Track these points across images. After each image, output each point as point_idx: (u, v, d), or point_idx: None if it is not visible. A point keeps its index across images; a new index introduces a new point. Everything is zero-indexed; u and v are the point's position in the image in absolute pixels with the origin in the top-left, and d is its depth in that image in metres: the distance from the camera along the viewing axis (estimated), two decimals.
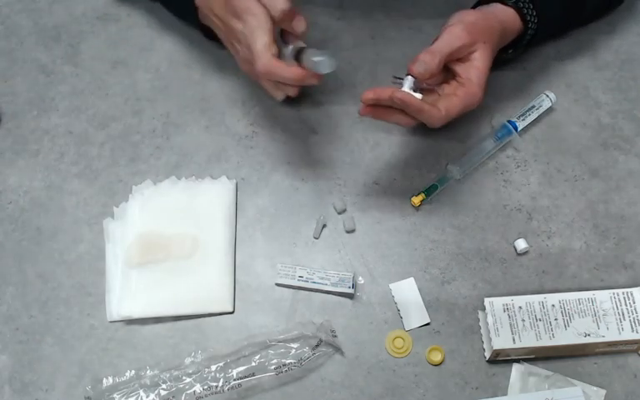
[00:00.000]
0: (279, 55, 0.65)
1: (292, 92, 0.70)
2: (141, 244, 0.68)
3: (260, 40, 0.63)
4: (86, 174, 0.74)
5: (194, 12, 0.74)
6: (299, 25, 0.66)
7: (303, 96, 0.77)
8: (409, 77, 0.66)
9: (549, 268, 0.68)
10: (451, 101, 0.67)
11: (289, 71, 0.64)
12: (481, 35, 0.68)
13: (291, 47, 0.66)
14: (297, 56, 0.65)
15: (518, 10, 0.72)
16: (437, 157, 0.74)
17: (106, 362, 0.64)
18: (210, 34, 0.76)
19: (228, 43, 0.71)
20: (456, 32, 0.67)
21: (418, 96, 0.65)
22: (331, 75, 0.78)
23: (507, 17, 0.72)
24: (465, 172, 0.72)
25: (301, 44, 0.66)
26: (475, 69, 0.68)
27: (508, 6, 0.72)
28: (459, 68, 0.69)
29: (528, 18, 0.72)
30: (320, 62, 0.61)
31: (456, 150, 0.74)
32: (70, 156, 0.75)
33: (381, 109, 0.65)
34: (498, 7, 0.72)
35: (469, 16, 0.70)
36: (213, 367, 0.62)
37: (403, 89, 0.65)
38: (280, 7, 0.63)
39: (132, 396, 0.61)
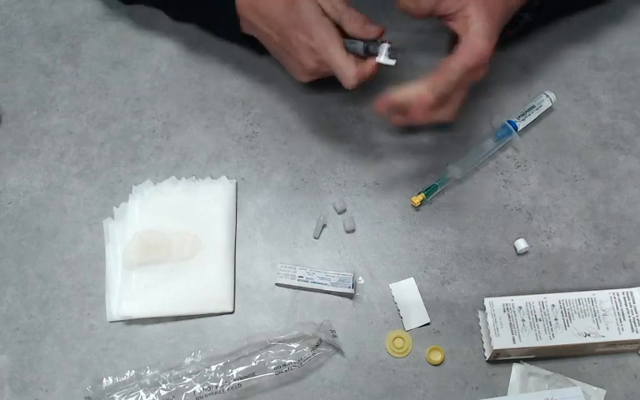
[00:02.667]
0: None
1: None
2: (141, 244, 0.68)
3: (338, 55, 0.64)
4: (86, 174, 0.74)
5: (236, 23, 0.72)
6: (371, 31, 0.65)
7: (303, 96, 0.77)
8: (385, 44, 0.64)
9: (549, 268, 0.68)
10: (448, 65, 0.62)
11: (370, 70, 0.65)
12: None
13: (360, 43, 0.66)
14: (367, 49, 0.66)
15: None
16: (437, 157, 0.74)
17: (106, 362, 0.64)
18: (254, 44, 0.75)
19: (283, 54, 0.70)
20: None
21: (392, 62, 0.64)
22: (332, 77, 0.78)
23: None
24: (465, 173, 0.72)
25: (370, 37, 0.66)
26: (474, 20, 0.63)
27: None
28: (455, 25, 0.64)
29: None
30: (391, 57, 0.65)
31: (456, 150, 0.74)
32: (70, 156, 0.75)
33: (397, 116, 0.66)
34: None
35: None
36: (213, 367, 0.62)
37: (379, 60, 0.65)
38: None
39: (132, 396, 0.61)
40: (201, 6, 0.75)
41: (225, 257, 0.68)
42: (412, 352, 0.64)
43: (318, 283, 0.66)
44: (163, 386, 0.62)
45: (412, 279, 0.67)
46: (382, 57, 0.65)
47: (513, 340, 0.62)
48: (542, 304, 0.63)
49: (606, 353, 0.63)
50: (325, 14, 0.65)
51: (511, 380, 0.62)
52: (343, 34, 0.66)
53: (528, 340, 0.62)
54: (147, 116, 0.77)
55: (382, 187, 0.72)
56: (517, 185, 0.72)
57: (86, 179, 0.73)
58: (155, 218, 0.70)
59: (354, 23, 0.65)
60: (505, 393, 0.62)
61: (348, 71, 0.64)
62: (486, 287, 0.67)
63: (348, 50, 0.65)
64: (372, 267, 0.68)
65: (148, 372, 0.63)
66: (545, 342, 0.61)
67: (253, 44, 0.75)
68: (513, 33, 0.75)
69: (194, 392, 0.61)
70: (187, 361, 0.63)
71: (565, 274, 0.67)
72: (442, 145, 0.74)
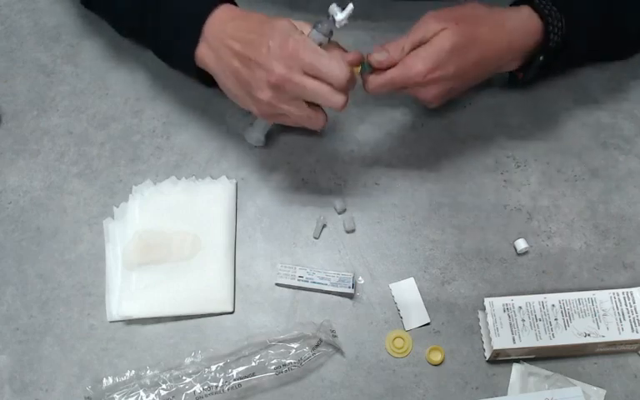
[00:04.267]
0: None
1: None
2: (141, 244, 0.68)
3: (320, 50, 0.60)
4: (86, 174, 0.74)
5: (193, 50, 0.66)
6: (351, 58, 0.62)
7: None
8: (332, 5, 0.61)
9: (549, 268, 0.68)
10: (385, 72, 0.63)
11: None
12: (452, 16, 0.63)
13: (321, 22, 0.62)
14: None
15: (533, 6, 0.66)
16: (437, 157, 0.74)
17: (106, 362, 0.64)
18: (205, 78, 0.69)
19: (243, 75, 0.62)
20: (425, 17, 0.64)
21: (347, 12, 0.61)
22: None
23: (518, 16, 0.66)
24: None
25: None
26: (426, 44, 0.63)
27: (520, 6, 0.67)
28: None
29: (547, 12, 0.66)
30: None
31: (456, 150, 0.74)
32: (70, 156, 0.75)
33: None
34: (507, 9, 0.67)
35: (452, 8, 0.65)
36: (213, 367, 0.62)
37: (339, 17, 0.61)
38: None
39: (132, 396, 0.61)
40: (153, 29, 0.69)
41: (225, 257, 0.68)
42: (412, 352, 0.64)
43: (318, 283, 0.66)
44: (163, 386, 0.62)
45: (412, 279, 0.67)
46: (339, 15, 0.61)
47: (513, 340, 0.62)
48: (542, 304, 0.63)
49: (606, 353, 0.63)
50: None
51: (511, 380, 0.62)
52: None
53: (528, 340, 0.61)
54: (147, 116, 0.77)
55: (382, 187, 0.72)
56: (517, 185, 0.72)
57: (86, 179, 0.73)
58: (155, 218, 0.70)
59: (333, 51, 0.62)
60: (505, 393, 0.62)
61: (338, 61, 0.59)
62: (486, 287, 0.67)
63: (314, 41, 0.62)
64: (372, 267, 0.68)
65: (148, 372, 0.63)
66: (545, 342, 0.61)
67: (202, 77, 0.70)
68: (524, 77, 0.72)
69: (194, 392, 0.61)
70: (187, 361, 0.63)
71: (565, 274, 0.67)
72: (442, 145, 0.74)
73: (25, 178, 0.74)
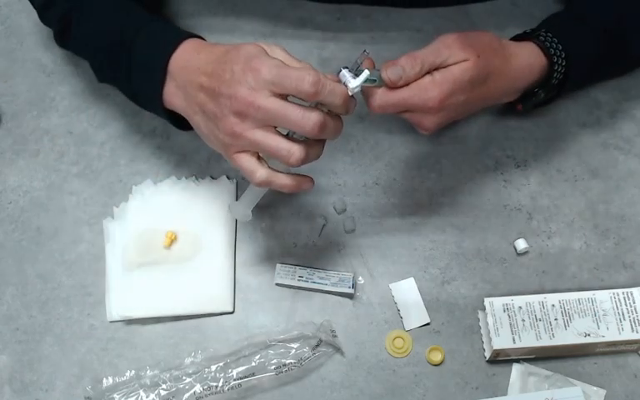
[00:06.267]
0: None
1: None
2: (141, 244, 0.68)
3: (296, 62, 0.55)
4: (86, 174, 0.74)
5: (160, 91, 0.62)
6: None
7: None
8: (343, 70, 0.55)
9: (549, 268, 0.68)
10: (396, 91, 0.58)
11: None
12: (475, 48, 0.60)
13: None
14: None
15: (538, 43, 0.65)
16: (437, 157, 0.74)
17: (106, 362, 0.64)
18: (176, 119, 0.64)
19: (210, 103, 0.57)
20: (447, 40, 0.60)
21: (364, 75, 0.55)
22: None
23: (523, 52, 0.65)
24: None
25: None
26: (444, 70, 0.59)
27: (526, 41, 0.66)
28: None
29: (552, 52, 0.65)
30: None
31: (456, 150, 0.74)
32: (70, 156, 0.75)
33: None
34: (514, 44, 0.65)
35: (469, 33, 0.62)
36: (213, 367, 0.62)
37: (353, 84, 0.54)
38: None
39: (132, 396, 0.61)
40: (124, 72, 0.65)
41: (225, 257, 0.68)
42: (412, 352, 0.64)
43: (318, 283, 0.66)
44: (163, 386, 0.62)
45: (412, 279, 0.67)
46: (353, 82, 0.55)
47: (513, 340, 0.62)
48: (542, 304, 0.63)
49: (606, 353, 0.63)
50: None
51: (511, 380, 0.62)
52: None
53: (528, 340, 0.62)
54: (147, 116, 0.77)
55: (382, 187, 0.72)
56: (517, 185, 0.72)
57: (86, 179, 0.73)
58: (155, 218, 0.70)
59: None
60: (505, 393, 0.62)
61: (307, 69, 0.54)
62: (486, 287, 0.67)
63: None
64: (372, 267, 0.68)
65: (148, 372, 0.63)
66: (545, 342, 0.61)
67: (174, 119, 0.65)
68: (523, 109, 0.70)
69: (194, 392, 0.61)
70: (187, 361, 0.63)
71: (565, 274, 0.67)
72: (442, 145, 0.74)
73: (25, 178, 0.74)
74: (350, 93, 0.55)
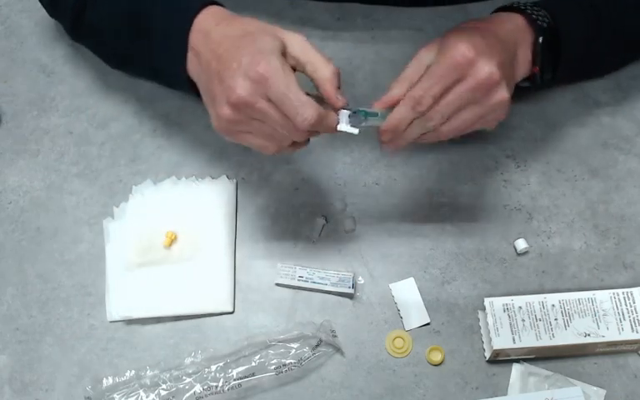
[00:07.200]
0: None
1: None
2: (141, 244, 0.68)
3: (294, 85, 0.54)
4: (86, 174, 0.74)
5: (184, 57, 0.62)
6: (339, 100, 0.57)
7: None
8: (344, 111, 0.57)
9: (549, 268, 0.68)
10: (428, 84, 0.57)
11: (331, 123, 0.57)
12: (452, 30, 0.60)
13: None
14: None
15: (523, 13, 0.65)
16: (437, 157, 0.74)
17: (106, 362, 0.64)
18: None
19: (215, 82, 0.58)
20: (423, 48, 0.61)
21: (355, 130, 0.58)
22: None
23: (502, 16, 0.65)
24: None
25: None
26: (458, 33, 0.58)
27: (510, 12, 0.65)
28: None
29: (534, 17, 0.64)
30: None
31: (456, 150, 0.74)
32: (70, 156, 0.75)
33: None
34: (500, 16, 0.65)
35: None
36: (213, 367, 0.62)
37: (340, 127, 0.57)
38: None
39: (132, 396, 0.61)
40: (146, 48, 0.66)
41: (225, 257, 0.68)
42: (412, 352, 0.64)
43: (318, 283, 0.66)
44: (163, 386, 0.62)
45: (412, 279, 0.67)
46: (344, 125, 0.57)
47: (513, 340, 0.62)
48: (542, 304, 0.63)
49: (606, 353, 0.63)
50: (286, 61, 0.56)
51: (511, 380, 0.62)
52: None
53: (528, 340, 0.62)
54: (147, 116, 0.77)
55: (382, 187, 0.72)
56: (517, 185, 0.72)
57: (86, 179, 0.73)
58: (155, 218, 0.70)
59: (325, 83, 0.56)
60: (505, 393, 0.62)
61: (307, 102, 0.54)
62: (486, 287, 0.67)
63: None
64: (372, 267, 0.68)
65: (148, 372, 0.63)
66: (545, 342, 0.61)
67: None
68: (534, 78, 0.68)
69: (194, 392, 0.61)
70: (187, 361, 0.63)
71: (565, 274, 0.67)
72: (443, 145, 0.74)
73: (25, 178, 0.74)
74: (337, 129, 0.57)
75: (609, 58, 0.76)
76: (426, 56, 0.60)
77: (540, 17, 0.65)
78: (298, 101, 0.54)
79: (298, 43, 0.57)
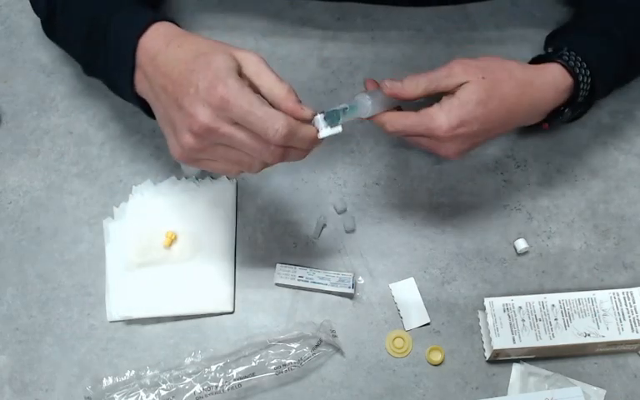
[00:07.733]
0: None
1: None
2: (141, 244, 0.68)
3: (257, 101, 0.52)
4: (86, 174, 0.74)
5: (131, 77, 0.59)
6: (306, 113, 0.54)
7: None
8: (317, 116, 0.55)
9: (549, 268, 0.68)
10: (405, 115, 0.59)
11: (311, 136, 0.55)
12: (479, 69, 0.60)
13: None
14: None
15: (562, 63, 0.64)
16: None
17: (106, 362, 0.64)
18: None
19: (173, 108, 0.55)
20: (451, 64, 0.60)
21: (338, 129, 0.55)
22: (331, 77, 0.78)
23: (547, 75, 0.64)
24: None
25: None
26: (453, 98, 0.59)
27: (548, 62, 0.64)
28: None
29: (577, 71, 0.64)
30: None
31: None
32: (70, 156, 0.75)
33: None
34: (534, 67, 0.64)
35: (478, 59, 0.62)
36: (213, 367, 0.62)
37: (322, 134, 0.55)
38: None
39: (132, 396, 0.61)
40: (102, 60, 0.63)
41: (225, 257, 0.68)
42: (412, 352, 0.64)
43: (318, 283, 0.66)
44: (163, 386, 0.62)
45: (412, 279, 0.67)
46: (326, 130, 0.55)
47: (513, 340, 0.62)
48: (542, 304, 0.63)
49: (606, 353, 0.63)
50: (242, 77, 0.54)
51: (511, 380, 0.62)
52: None
53: (528, 340, 0.62)
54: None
55: (382, 187, 0.72)
56: (517, 185, 0.72)
57: (86, 179, 0.73)
58: (155, 218, 0.70)
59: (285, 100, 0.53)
60: (505, 393, 0.62)
61: (274, 114, 0.52)
62: (486, 287, 0.67)
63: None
64: (372, 267, 0.68)
65: (148, 372, 0.63)
66: (545, 342, 0.62)
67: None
68: (550, 127, 0.69)
69: (194, 392, 0.61)
70: (187, 361, 0.63)
71: (565, 274, 0.67)
72: None
73: (25, 178, 0.74)
74: (319, 136, 0.55)
75: (630, 79, 0.76)
76: (444, 72, 0.60)
77: (584, 87, 0.65)
78: (265, 114, 0.51)
79: (253, 64, 0.54)
